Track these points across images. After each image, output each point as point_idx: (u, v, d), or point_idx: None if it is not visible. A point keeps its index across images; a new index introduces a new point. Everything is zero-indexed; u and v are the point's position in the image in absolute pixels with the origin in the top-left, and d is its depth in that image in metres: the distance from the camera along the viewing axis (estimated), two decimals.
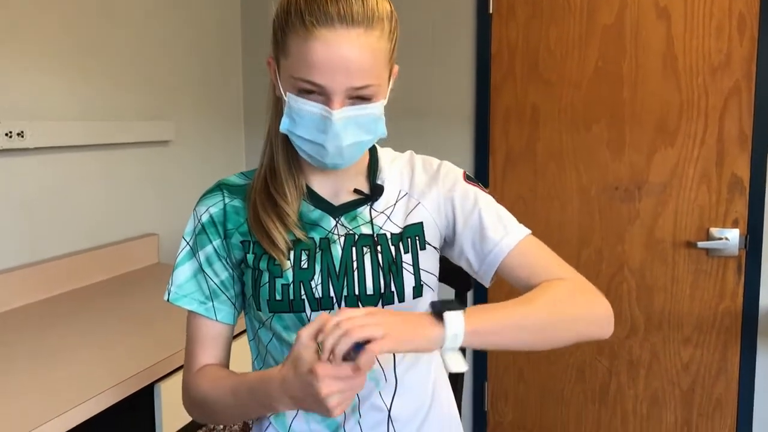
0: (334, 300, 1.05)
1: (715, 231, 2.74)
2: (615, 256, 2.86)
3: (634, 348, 2.88)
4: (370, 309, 0.89)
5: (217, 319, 1.12)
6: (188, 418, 1.71)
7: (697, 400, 2.85)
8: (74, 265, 2.22)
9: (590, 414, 2.97)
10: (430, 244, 1.11)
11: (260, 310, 1.09)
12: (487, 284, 1.12)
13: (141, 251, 2.53)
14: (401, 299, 1.07)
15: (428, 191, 1.12)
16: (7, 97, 2.01)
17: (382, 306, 1.05)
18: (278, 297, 1.05)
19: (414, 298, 1.08)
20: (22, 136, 2.02)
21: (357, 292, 1.05)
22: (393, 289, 1.05)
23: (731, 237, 2.71)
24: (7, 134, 1.97)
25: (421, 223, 1.10)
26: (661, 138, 2.75)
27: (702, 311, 2.79)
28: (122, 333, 1.81)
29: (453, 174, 1.15)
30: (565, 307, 1.00)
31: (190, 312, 1.13)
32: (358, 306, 1.04)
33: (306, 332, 0.87)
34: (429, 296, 1.12)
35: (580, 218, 2.88)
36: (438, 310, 0.89)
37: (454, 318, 0.88)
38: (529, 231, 1.13)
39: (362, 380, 0.85)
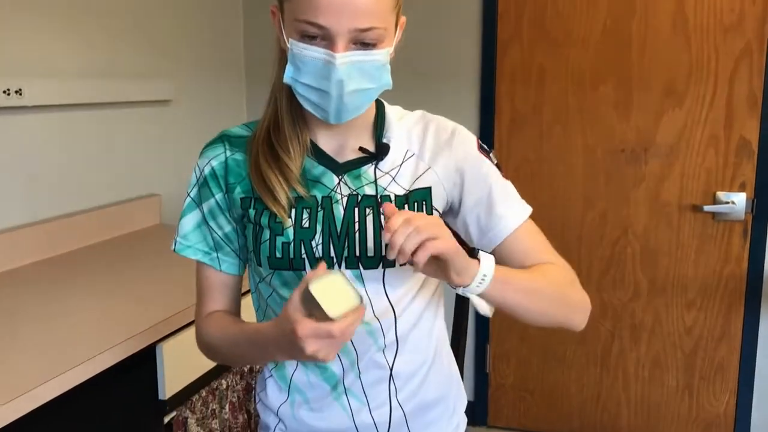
0: (335, 260, 1.03)
1: (721, 195, 2.71)
2: (620, 219, 2.83)
3: (637, 311, 2.88)
4: (421, 215, 0.90)
5: (221, 270, 1.13)
6: (190, 379, 1.71)
7: (699, 364, 2.85)
8: (75, 225, 2.21)
9: (591, 376, 2.99)
10: (436, 210, 1.09)
11: (260, 266, 1.08)
12: None
13: (143, 212, 2.51)
14: (402, 263, 1.05)
15: (440, 157, 1.10)
16: (5, 54, 1.98)
17: (383, 268, 1.04)
18: (278, 255, 1.04)
19: None
20: (21, 94, 1.99)
21: (358, 253, 1.03)
22: None
23: (738, 201, 2.68)
24: (5, 92, 1.94)
25: (430, 188, 1.08)
26: (669, 100, 2.71)
27: (706, 275, 2.78)
28: (123, 294, 1.80)
29: (467, 142, 1.12)
30: (566, 290, 1.08)
31: (197, 261, 1.15)
32: (358, 267, 1.04)
33: (298, 293, 0.87)
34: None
35: (585, 181, 2.85)
36: (475, 252, 0.93)
37: (488, 261, 0.94)
38: (530, 210, 1.14)
39: (345, 338, 0.86)
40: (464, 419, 1.22)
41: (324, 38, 0.94)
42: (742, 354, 2.79)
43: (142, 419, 1.62)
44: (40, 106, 2.09)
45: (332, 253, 1.03)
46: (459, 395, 1.22)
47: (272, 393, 1.14)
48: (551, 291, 1.05)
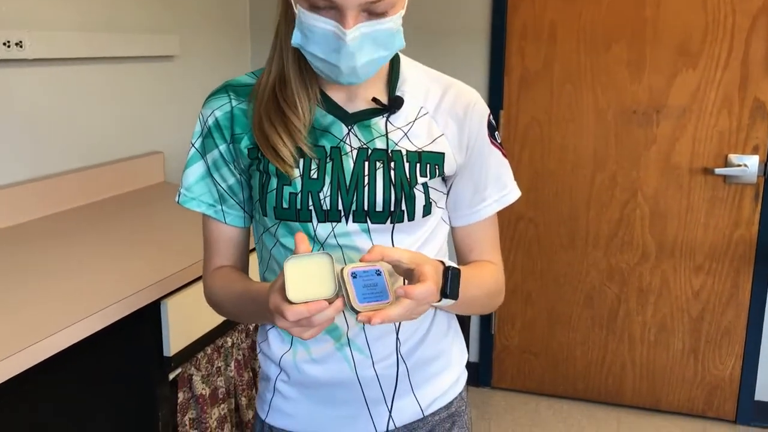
0: (342, 213, 1.01)
1: (733, 157, 2.67)
2: (629, 181, 2.80)
3: (645, 275, 2.86)
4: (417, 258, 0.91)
5: (226, 222, 1.11)
6: (195, 336, 1.69)
7: (706, 328, 2.84)
8: (78, 181, 2.18)
9: (597, 339, 2.98)
10: (440, 177, 1.07)
11: (266, 216, 1.05)
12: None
13: (146, 169, 2.48)
14: (411, 218, 1.03)
15: (454, 127, 1.06)
16: (5, 4, 1.93)
17: (391, 223, 1.02)
18: (285, 205, 1.01)
19: (423, 216, 1.05)
20: (21, 46, 1.94)
21: (366, 208, 1.01)
22: (404, 207, 1.02)
23: (750, 164, 2.64)
24: (5, 44, 1.89)
25: (443, 155, 1.05)
26: (683, 60, 2.65)
27: (715, 239, 2.75)
28: (127, 250, 1.78)
29: (482, 119, 1.08)
30: (495, 297, 1.14)
31: (202, 214, 1.12)
32: (366, 221, 1.01)
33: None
34: (438, 214, 1.09)
35: (595, 142, 2.80)
36: (443, 290, 0.94)
37: (448, 300, 0.95)
38: (516, 196, 1.15)
39: (312, 325, 0.86)
40: (465, 373, 1.21)
41: (333, 8, 0.90)
42: (749, 318, 2.77)
43: (147, 376, 1.61)
44: (41, 60, 2.04)
45: (340, 206, 1.01)
46: (460, 349, 1.20)
47: (274, 343, 1.12)
48: (486, 299, 1.11)
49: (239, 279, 1.08)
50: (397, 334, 1.08)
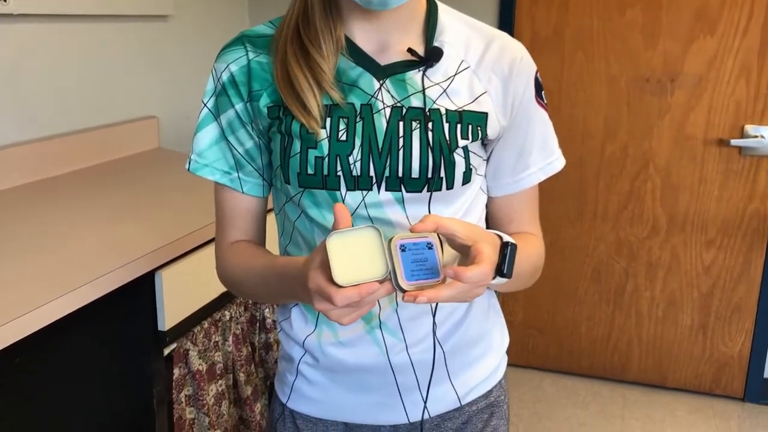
0: (374, 180, 0.90)
1: (750, 128, 2.57)
2: (641, 152, 2.70)
3: (654, 249, 2.77)
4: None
5: (243, 192, 0.99)
6: (191, 309, 1.61)
7: (716, 304, 2.76)
8: (68, 146, 2.07)
9: (603, 315, 2.90)
10: (483, 140, 0.96)
11: (288, 184, 0.93)
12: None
13: (140, 135, 2.37)
14: (450, 186, 0.92)
15: (498, 84, 0.95)
16: None
17: (428, 191, 0.91)
18: (310, 171, 0.90)
19: (463, 184, 0.93)
20: (5, 1, 1.82)
21: (401, 174, 0.90)
22: (442, 174, 0.90)
23: (767, 135, 2.55)
24: None
25: (486, 114, 0.94)
26: (700, 25, 2.54)
27: (728, 213, 2.67)
28: (120, 219, 1.68)
29: (529, 77, 0.97)
30: (538, 272, 1.03)
31: (215, 183, 1.01)
32: (400, 189, 0.91)
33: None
34: (478, 182, 0.98)
35: (607, 111, 2.70)
36: (500, 269, 0.83)
37: (501, 279, 0.85)
38: (561, 164, 1.04)
39: (360, 309, 0.76)
40: (505, 358, 1.10)
41: None
42: (761, 295, 2.70)
43: (141, 351, 1.53)
44: (28, 15, 1.93)
45: (371, 172, 0.90)
46: (501, 332, 1.10)
47: (297, 324, 1.02)
48: (529, 277, 1.01)
49: (261, 254, 0.98)
50: (434, 315, 0.97)
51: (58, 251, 1.45)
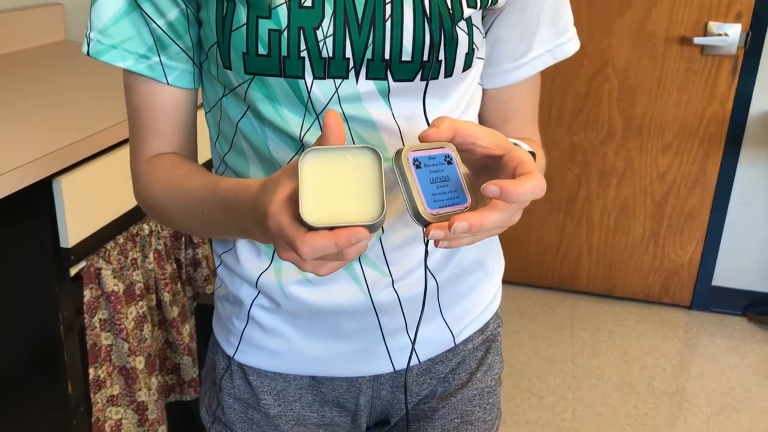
0: (351, 63, 0.67)
1: (714, 26, 2.42)
2: (599, 51, 2.53)
3: (609, 155, 2.65)
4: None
5: (168, 83, 0.74)
6: (101, 223, 1.39)
7: (669, 212, 2.68)
8: None
9: (553, 223, 2.79)
10: (498, 3, 0.74)
11: (230, 69, 0.68)
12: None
13: (42, 24, 2.07)
14: (449, 72, 0.70)
15: None
16: None
17: (422, 80, 0.69)
18: (262, 50, 0.66)
19: (463, 70, 0.72)
20: None
21: (388, 56, 0.67)
22: (442, 56, 0.68)
23: (731, 33, 2.40)
24: None
25: None
26: None
27: (686, 116, 2.54)
28: (14, 116, 1.43)
29: None
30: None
31: (126, 72, 0.74)
32: (385, 77, 0.68)
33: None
34: (478, 68, 0.77)
35: None
36: None
37: None
38: (576, 47, 0.81)
39: (339, 260, 0.55)
40: (500, 288, 0.92)
41: None
42: (714, 202, 2.62)
43: (41, 271, 1.31)
44: None
45: (348, 53, 0.67)
46: (495, 255, 0.92)
47: (246, 256, 0.79)
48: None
49: (194, 172, 0.73)
50: (426, 241, 0.77)
51: None
